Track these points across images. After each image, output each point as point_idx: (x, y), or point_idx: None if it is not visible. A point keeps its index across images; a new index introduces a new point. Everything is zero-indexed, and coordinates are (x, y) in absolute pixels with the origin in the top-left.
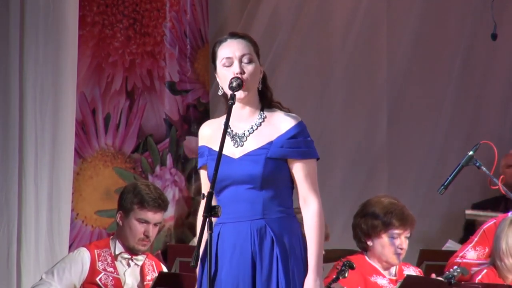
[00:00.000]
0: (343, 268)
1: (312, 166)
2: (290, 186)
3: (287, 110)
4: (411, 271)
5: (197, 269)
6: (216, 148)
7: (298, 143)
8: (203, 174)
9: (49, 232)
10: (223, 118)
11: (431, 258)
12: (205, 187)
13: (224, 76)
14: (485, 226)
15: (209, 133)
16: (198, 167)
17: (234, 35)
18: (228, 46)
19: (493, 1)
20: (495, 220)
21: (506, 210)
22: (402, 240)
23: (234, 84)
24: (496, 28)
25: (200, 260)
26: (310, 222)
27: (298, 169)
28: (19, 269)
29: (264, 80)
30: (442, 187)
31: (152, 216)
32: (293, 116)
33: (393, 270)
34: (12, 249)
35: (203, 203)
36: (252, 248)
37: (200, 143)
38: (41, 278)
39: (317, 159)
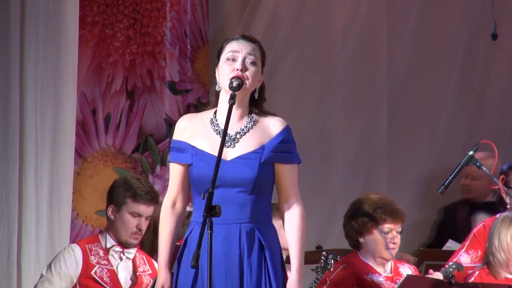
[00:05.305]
0: (328, 261)
1: (295, 171)
2: (271, 190)
3: (273, 115)
4: (406, 268)
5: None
6: (200, 147)
7: (288, 148)
8: (177, 169)
9: (49, 232)
10: (205, 114)
11: (431, 258)
12: (175, 182)
13: (224, 71)
14: (475, 230)
15: (188, 128)
16: (176, 161)
17: (246, 37)
18: (238, 43)
19: (493, 1)
20: (483, 223)
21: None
22: (394, 235)
23: (235, 84)
24: (496, 28)
25: (177, 259)
26: (294, 224)
27: (285, 173)
28: (19, 269)
29: (261, 90)
30: (442, 187)
31: (145, 209)
32: (281, 119)
33: (388, 267)
34: (12, 249)
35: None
36: (241, 251)
37: (178, 138)
38: (42, 275)
39: (299, 163)
